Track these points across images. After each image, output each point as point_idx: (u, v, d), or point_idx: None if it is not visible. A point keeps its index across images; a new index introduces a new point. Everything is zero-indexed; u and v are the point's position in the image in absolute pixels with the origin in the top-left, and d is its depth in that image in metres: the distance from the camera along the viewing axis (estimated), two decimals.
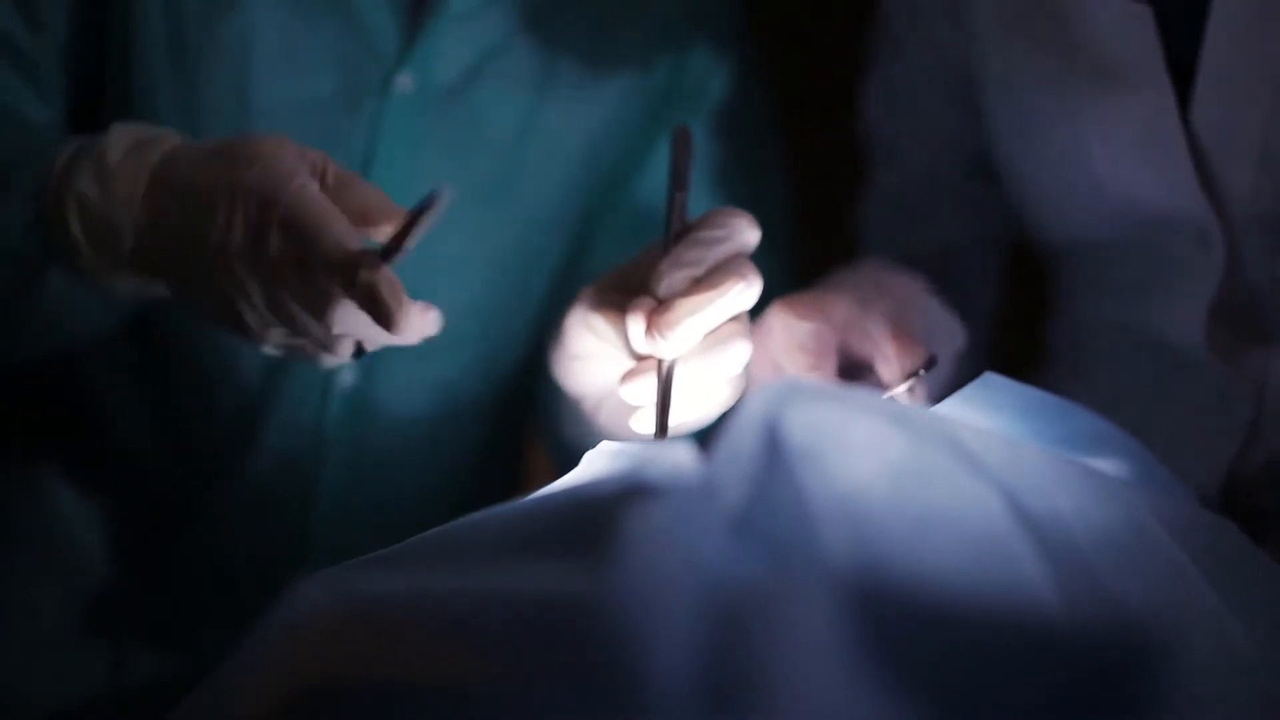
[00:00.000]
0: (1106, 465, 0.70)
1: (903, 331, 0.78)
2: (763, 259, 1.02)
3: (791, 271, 1.02)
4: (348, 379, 0.94)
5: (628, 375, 0.73)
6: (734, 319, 0.73)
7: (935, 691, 0.49)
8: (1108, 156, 0.90)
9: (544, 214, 0.97)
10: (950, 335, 0.84)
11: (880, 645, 0.49)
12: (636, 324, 0.72)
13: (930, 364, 0.77)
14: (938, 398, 0.79)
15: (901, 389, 0.77)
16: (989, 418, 0.69)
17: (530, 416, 1.07)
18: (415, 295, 0.92)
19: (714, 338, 0.73)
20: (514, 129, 0.94)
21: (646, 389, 0.73)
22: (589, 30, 0.96)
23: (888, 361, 0.78)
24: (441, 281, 0.94)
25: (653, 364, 0.73)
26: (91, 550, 0.97)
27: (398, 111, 0.91)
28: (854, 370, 0.80)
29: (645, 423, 0.74)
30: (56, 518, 0.97)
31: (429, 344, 0.94)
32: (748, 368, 0.79)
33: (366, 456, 0.97)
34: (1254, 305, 0.90)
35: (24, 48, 0.85)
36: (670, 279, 0.72)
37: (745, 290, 0.72)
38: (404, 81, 0.90)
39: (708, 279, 0.72)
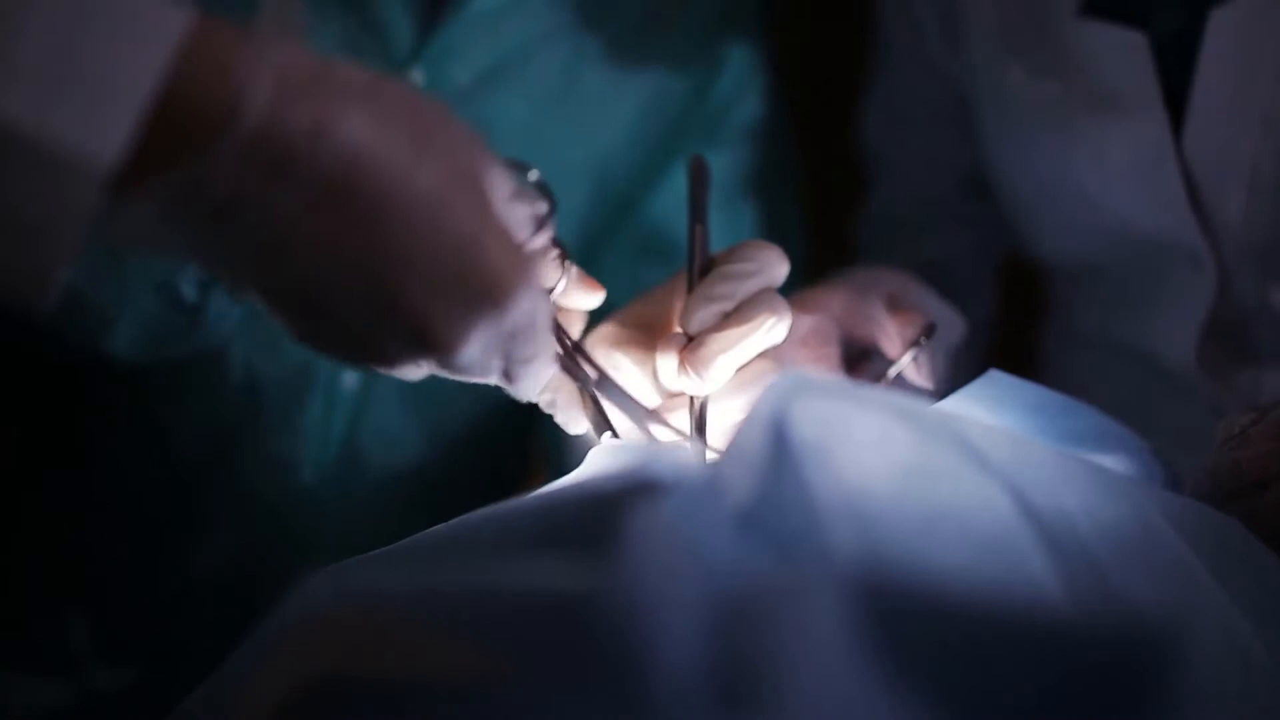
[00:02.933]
0: (1111, 462, 0.70)
1: (899, 305, 0.79)
2: None
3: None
4: (349, 384, 0.94)
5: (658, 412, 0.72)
6: (763, 355, 0.72)
7: (942, 688, 0.49)
8: (1102, 181, 0.91)
9: None
10: (949, 324, 0.84)
11: (888, 642, 0.48)
12: (668, 361, 0.71)
13: (930, 331, 0.77)
14: (942, 369, 0.79)
15: (906, 359, 0.77)
16: (994, 414, 0.69)
17: (529, 435, 1.06)
18: None
19: (746, 374, 0.71)
20: (524, 139, 0.93)
21: (676, 424, 0.71)
22: (613, 46, 0.94)
23: (888, 336, 0.78)
24: None
25: (684, 401, 0.71)
26: (78, 549, 0.97)
27: None
28: (861, 356, 0.80)
29: None
30: (44, 522, 0.97)
31: None
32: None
33: (365, 461, 0.96)
34: (1245, 327, 0.90)
35: None
36: (701, 314, 0.70)
37: (777, 324, 0.70)
38: (415, 78, 0.90)
39: (738, 313, 0.70)
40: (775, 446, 0.54)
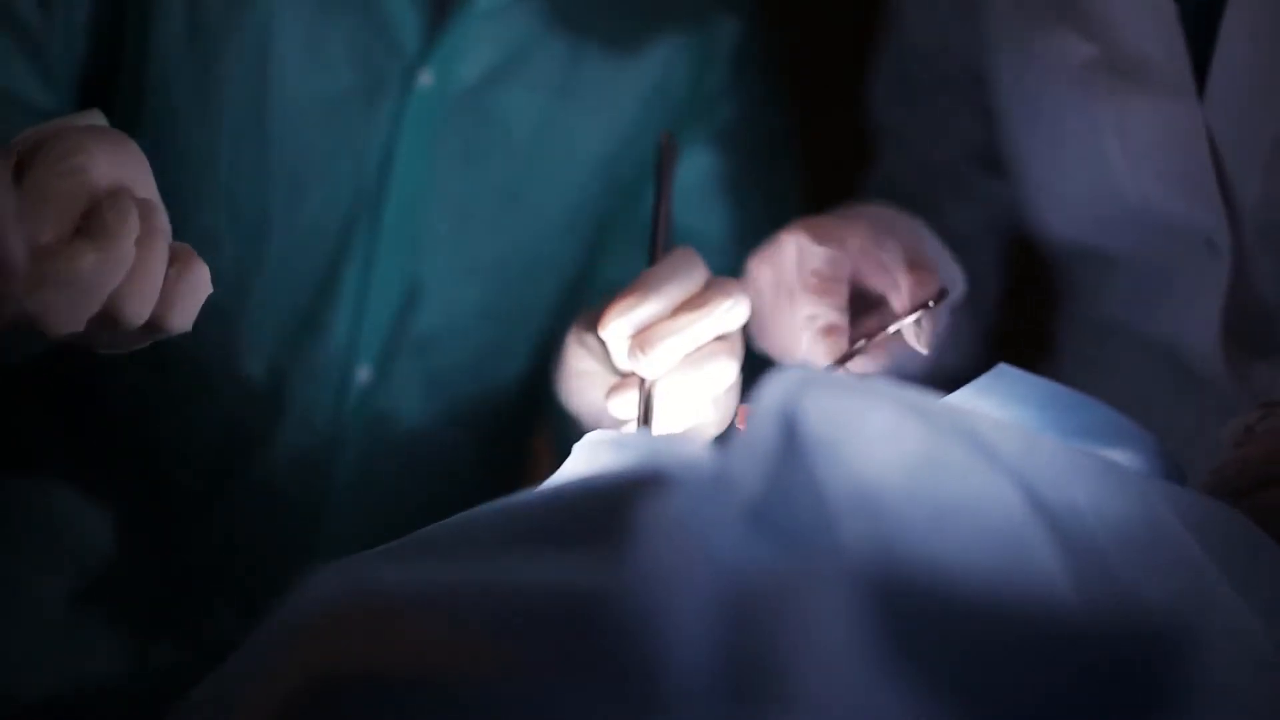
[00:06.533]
0: (1120, 457, 0.70)
1: (918, 263, 0.77)
2: None
3: None
4: (363, 378, 0.94)
5: (612, 390, 0.75)
6: (722, 338, 0.75)
7: (952, 682, 0.48)
8: (1125, 151, 0.89)
9: (557, 220, 0.97)
10: (954, 282, 0.83)
11: (897, 636, 0.48)
12: (618, 342, 0.74)
13: (941, 296, 0.76)
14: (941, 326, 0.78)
15: (909, 320, 0.76)
16: (1003, 409, 0.69)
17: (536, 422, 1.07)
18: (428, 295, 0.94)
19: (697, 355, 0.74)
20: (532, 132, 0.94)
21: (630, 403, 0.74)
22: (610, 37, 0.95)
23: (899, 291, 0.77)
24: (452, 280, 0.94)
25: (635, 380, 0.74)
26: (100, 542, 0.97)
27: (418, 108, 0.90)
28: (863, 301, 0.79)
29: None
30: (65, 510, 0.97)
31: (434, 345, 0.95)
32: (760, 287, 0.79)
33: (377, 455, 0.97)
34: (1261, 317, 0.89)
35: (33, 28, 0.84)
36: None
37: (731, 310, 0.73)
38: (425, 78, 0.90)
39: (694, 299, 0.73)
40: (785, 440, 0.54)
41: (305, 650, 0.50)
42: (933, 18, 1.01)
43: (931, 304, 0.76)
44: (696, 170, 0.99)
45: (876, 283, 0.78)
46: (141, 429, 0.97)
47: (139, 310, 0.59)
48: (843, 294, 0.77)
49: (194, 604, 0.98)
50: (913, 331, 0.76)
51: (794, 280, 0.78)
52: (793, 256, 0.78)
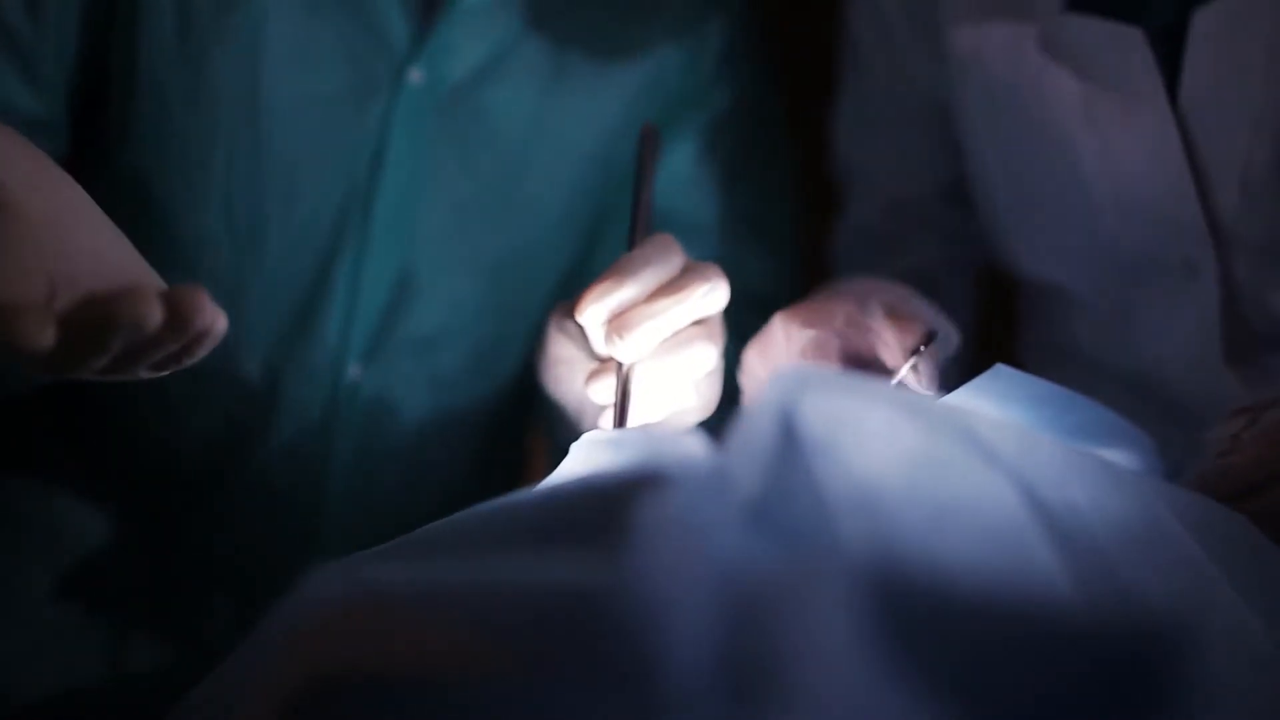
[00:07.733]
0: (1117, 457, 0.70)
1: (898, 314, 0.78)
2: (769, 259, 1.01)
3: (797, 271, 1.02)
4: (354, 374, 0.94)
5: (591, 375, 0.75)
6: (700, 323, 0.74)
7: (952, 682, 0.48)
8: (1104, 175, 0.88)
9: (552, 214, 0.97)
10: (945, 336, 0.83)
11: (897, 636, 0.48)
12: (596, 327, 0.73)
13: (929, 339, 0.77)
14: (942, 386, 0.79)
15: (905, 369, 0.76)
16: (1000, 409, 0.69)
17: (534, 419, 1.07)
18: (420, 292, 0.94)
19: (675, 340, 0.74)
20: (524, 127, 0.94)
21: (609, 388, 0.74)
22: (600, 29, 0.95)
23: (888, 346, 0.77)
24: (446, 278, 0.94)
25: (614, 364, 0.74)
26: (97, 542, 0.97)
27: (409, 107, 0.90)
28: (861, 368, 0.79)
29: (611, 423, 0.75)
30: (62, 509, 0.97)
31: (429, 343, 0.95)
32: (755, 375, 0.79)
33: (373, 451, 0.97)
34: (1253, 339, 0.88)
35: (22, 36, 0.84)
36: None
37: (709, 294, 0.73)
38: (415, 76, 0.90)
39: (673, 283, 0.73)
40: (784, 440, 0.54)
41: (305, 650, 0.50)
42: (890, 53, 1.00)
43: (922, 348, 0.76)
44: (690, 157, 0.99)
45: (865, 346, 0.78)
46: (139, 429, 0.97)
47: (133, 375, 0.62)
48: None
49: (192, 603, 0.97)
50: (912, 378, 0.77)
51: (784, 364, 0.79)
52: (781, 343, 0.79)
